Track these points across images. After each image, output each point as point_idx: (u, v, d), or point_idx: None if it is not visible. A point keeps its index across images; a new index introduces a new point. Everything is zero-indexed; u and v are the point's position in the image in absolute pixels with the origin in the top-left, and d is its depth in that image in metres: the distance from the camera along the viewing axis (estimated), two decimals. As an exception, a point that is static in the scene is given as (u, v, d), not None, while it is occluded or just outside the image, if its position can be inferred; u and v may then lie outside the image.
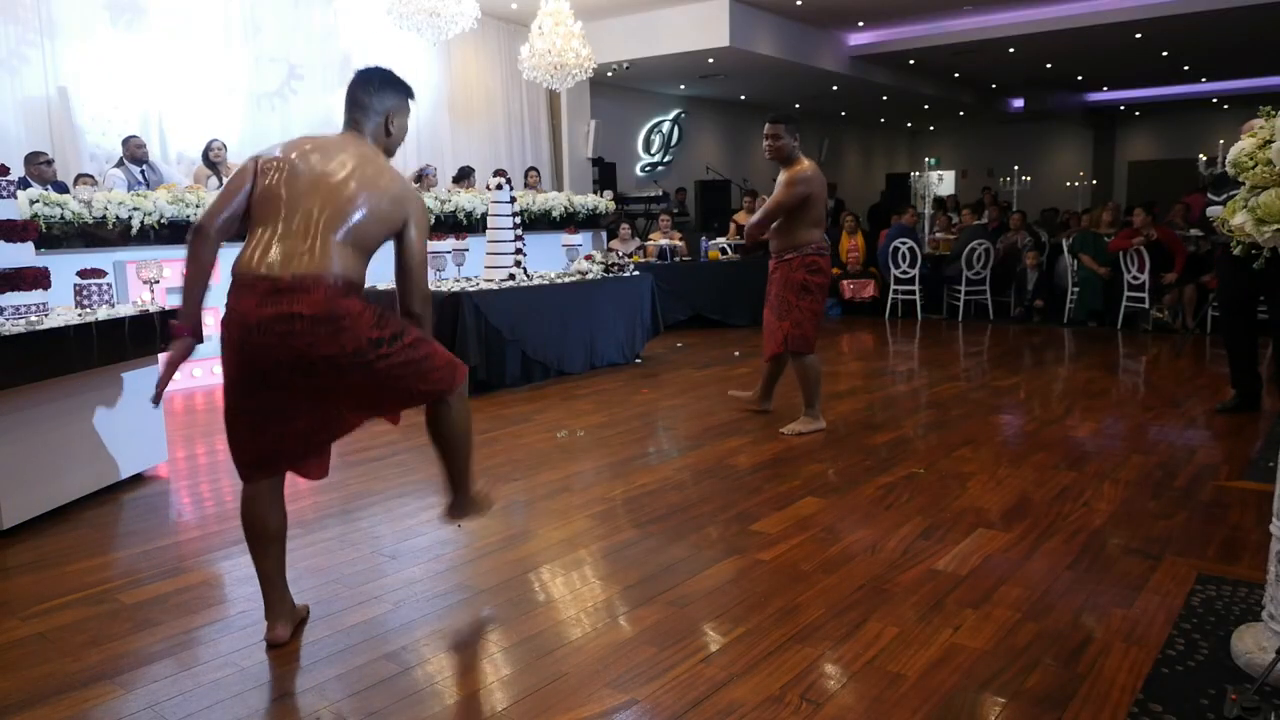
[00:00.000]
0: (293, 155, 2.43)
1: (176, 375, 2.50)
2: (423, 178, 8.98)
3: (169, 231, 6.52)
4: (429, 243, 6.64)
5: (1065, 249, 9.65)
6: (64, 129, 7.65)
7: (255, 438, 2.45)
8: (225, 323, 2.41)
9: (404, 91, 2.62)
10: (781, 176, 4.90)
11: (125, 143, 7.43)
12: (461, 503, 2.81)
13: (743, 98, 15.33)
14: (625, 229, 10.54)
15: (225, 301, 2.41)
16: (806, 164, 4.87)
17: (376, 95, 2.54)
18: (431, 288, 6.61)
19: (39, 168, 6.65)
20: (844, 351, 8.10)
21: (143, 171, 7.37)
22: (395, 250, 2.51)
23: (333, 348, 2.32)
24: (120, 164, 7.36)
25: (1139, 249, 8.49)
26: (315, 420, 2.51)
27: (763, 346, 5.08)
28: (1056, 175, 19.43)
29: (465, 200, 8.64)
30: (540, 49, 8.80)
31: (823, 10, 11.29)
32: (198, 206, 6.61)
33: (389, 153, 2.60)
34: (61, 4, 7.54)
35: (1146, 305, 8.63)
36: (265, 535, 2.52)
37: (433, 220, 8.12)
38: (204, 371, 6.60)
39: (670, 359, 7.58)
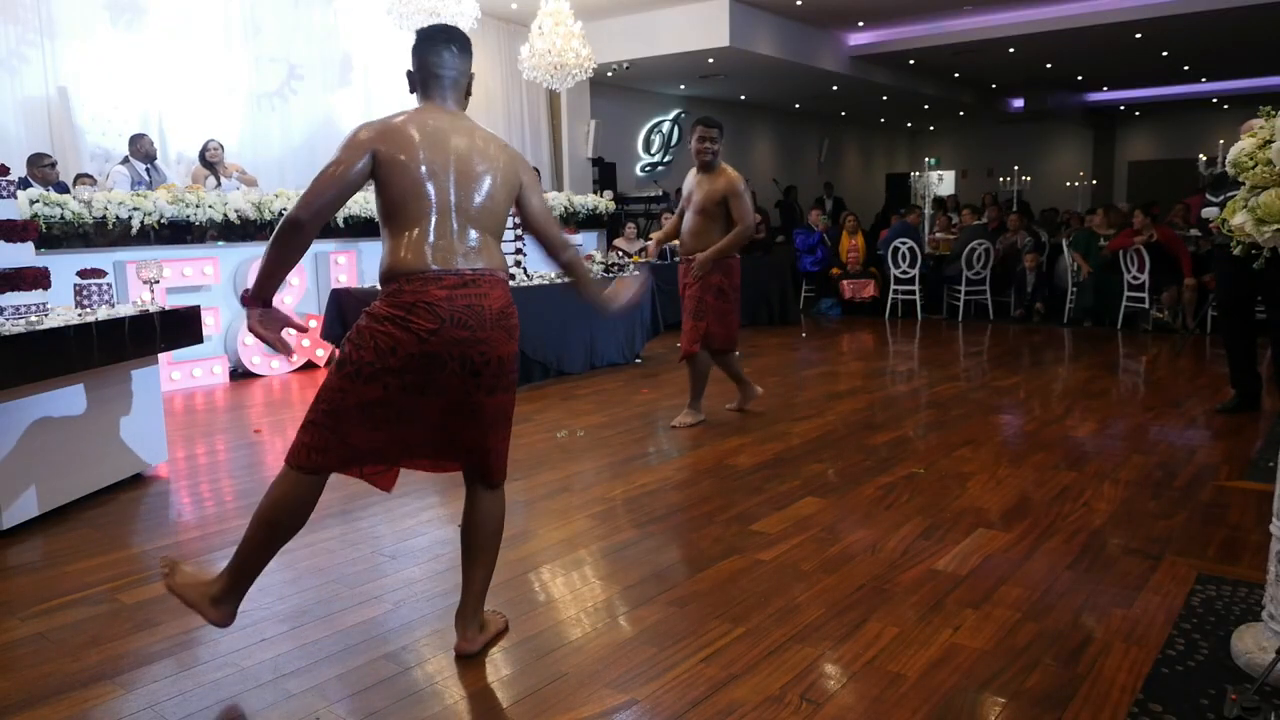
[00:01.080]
0: (424, 143, 2.28)
1: (285, 334, 2.37)
2: None
3: (169, 231, 6.53)
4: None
5: (1065, 248, 9.65)
6: (64, 129, 7.65)
7: (366, 434, 2.28)
8: (397, 314, 2.24)
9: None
10: (722, 184, 4.83)
11: (136, 140, 7.45)
12: (479, 625, 2.50)
13: (743, 98, 15.33)
14: (630, 228, 10.56)
15: (392, 295, 2.26)
16: (737, 173, 4.95)
17: (462, 57, 2.42)
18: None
19: (43, 170, 6.65)
20: (844, 351, 8.10)
21: (148, 170, 7.39)
22: (520, 214, 2.51)
23: (507, 349, 2.35)
24: (125, 161, 7.38)
25: (1139, 249, 8.49)
26: (431, 435, 2.38)
27: (683, 348, 5.03)
28: (1056, 175, 19.44)
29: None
30: (540, 49, 8.80)
31: (823, 10, 11.30)
32: (197, 206, 6.61)
33: None
34: (61, 4, 7.54)
35: (1146, 305, 8.63)
36: (291, 531, 2.35)
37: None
38: (204, 371, 6.60)
39: (670, 359, 7.57)
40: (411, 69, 2.43)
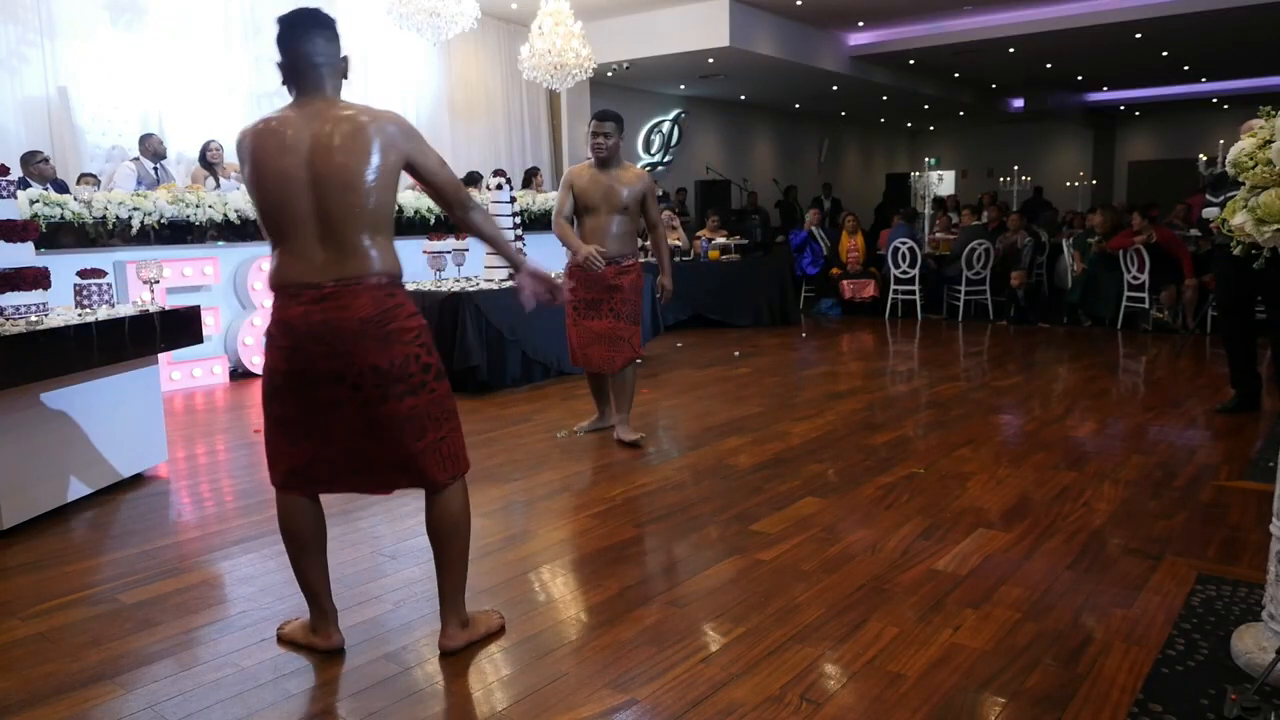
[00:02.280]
0: (275, 149, 2.23)
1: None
2: None
3: (169, 232, 6.53)
4: (428, 242, 6.68)
5: (1065, 248, 9.65)
6: (64, 129, 7.66)
7: (291, 449, 2.36)
8: (271, 331, 2.33)
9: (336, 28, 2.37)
10: (643, 183, 4.52)
11: (145, 139, 7.49)
12: (457, 622, 2.49)
13: (743, 98, 15.34)
14: None
15: (271, 311, 2.35)
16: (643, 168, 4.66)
17: (335, 42, 2.33)
18: (431, 288, 6.64)
19: (37, 167, 6.67)
20: (844, 351, 8.10)
21: (155, 169, 7.41)
22: (415, 180, 2.39)
23: (382, 357, 2.26)
24: (136, 159, 7.40)
25: (1139, 249, 8.49)
26: (349, 453, 2.36)
27: (600, 359, 4.58)
28: (1056, 175, 19.44)
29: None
30: (540, 49, 8.80)
31: (823, 10, 11.30)
32: (197, 206, 6.61)
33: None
34: (61, 4, 7.54)
35: (1146, 305, 8.63)
36: (311, 544, 2.45)
37: (432, 220, 8.12)
38: (204, 371, 6.60)
39: (670, 359, 7.57)
40: (279, 61, 2.32)
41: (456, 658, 2.45)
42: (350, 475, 2.40)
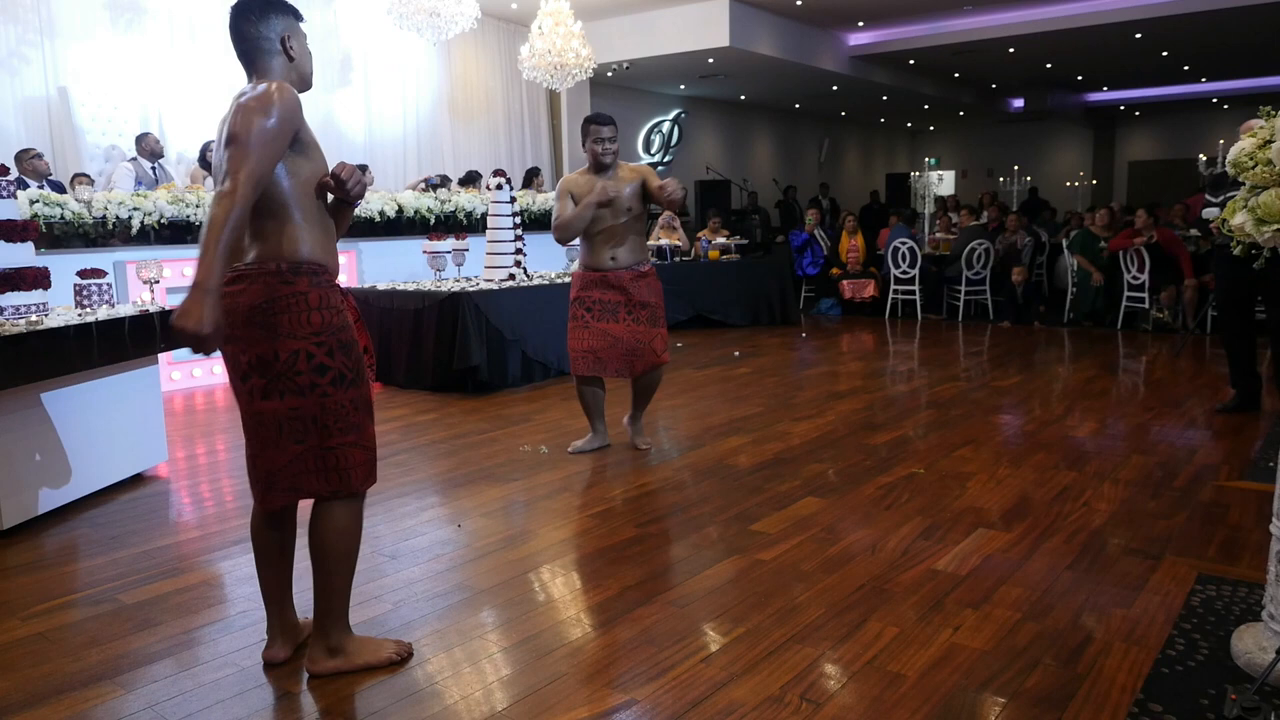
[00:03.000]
0: (217, 133, 2.23)
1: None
2: (433, 188, 8.99)
3: (169, 231, 6.53)
4: (428, 242, 6.68)
5: (1065, 247, 9.65)
6: (64, 129, 7.66)
7: (250, 456, 2.29)
8: None
9: (288, 10, 2.30)
10: (641, 176, 4.36)
11: (142, 138, 7.48)
12: (323, 648, 2.34)
13: (743, 98, 15.34)
14: None
15: None
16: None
17: (261, 25, 2.25)
18: (432, 288, 6.62)
19: (31, 163, 6.66)
20: (844, 351, 8.10)
21: (154, 169, 7.40)
22: None
23: (267, 347, 2.16)
24: (133, 159, 7.40)
25: (1139, 249, 8.49)
26: (248, 436, 2.26)
27: (616, 364, 4.39)
28: (1056, 175, 19.45)
29: (465, 200, 8.65)
30: (540, 49, 8.80)
31: (823, 10, 11.30)
32: (197, 206, 6.61)
33: (305, 80, 2.33)
34: (61, 4, 7.54)
35: (1146, 305, 8.63)
36: (266, 553, 2.38)
37: (432, 220, 8.12)
38: (204, 371, 6.60)
39: (670, 359, 7.57)
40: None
41: (457, 658, 2.45)
42: (264, 484, 2.28)
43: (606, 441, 4.67)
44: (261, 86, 2.16)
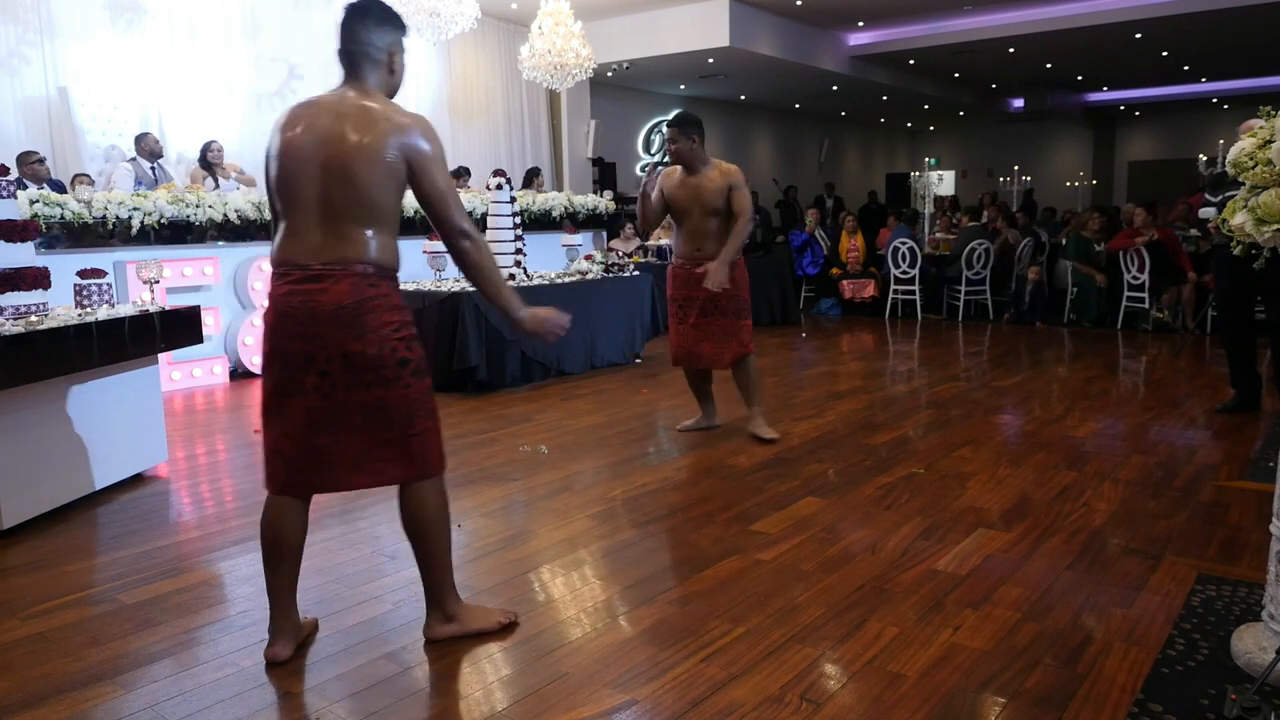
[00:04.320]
0: (290, 134, 2.30)
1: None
2: None
3: (169, 232, 6.53)
4: (428, 242, 6.68)
5: (1061, 253, 9.67)
6: (64, 129, 7.66)
7: (290, 447, 2.35)
8: (265, 313, 2.38)
9: (401, 25, 2.44)
10: (721, 180, 4.51)
11: (141, 138, 7.47)
12: (440, 616, 2.53)
13: (743, 98, 15.34)
14: (629, 228, 10.56)
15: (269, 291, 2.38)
16: (732, 164, 4.66)
17: (376, 32, 2.36)
18: (432, 288, 6.63)
19: (32, 167, 6.65)
20: (844, 351, 8.10)
21: (153, 169, 7.40)
22: (414, 192, 2.35)
23: (354, 346, 2.27)
24: (133, 160, 7.39)
25: (1139, 249, 8.49)
26: (306, 443, 2.34)
27: (710, 356, 4.64)
28: (1056, 175, 19.45)
29: (465, 200, 8.65)
30: (540, 49, 8.80)
31: (823, 10, 11.30)
32: (197, 206, 6.62)
33: (392, 95, 2.43)
34: (61, 4, 7.54)
35: (1146, 305, 8.63)
36: (278, 549, 2.40)
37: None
38: (204, 371, 6.60)
39: (670, 359, 7.56)
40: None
41: (457, 658, 2.45)
42: (296, 472, 2.36)
43: (714, 423, 4.97)
44: (424, 118, 2.35)
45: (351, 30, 2.35)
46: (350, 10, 2.37)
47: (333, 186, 2.25)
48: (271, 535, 2.40)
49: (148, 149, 7.44)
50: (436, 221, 2.38)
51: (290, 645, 2.44)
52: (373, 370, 2.29)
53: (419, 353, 2.39)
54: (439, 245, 6.71)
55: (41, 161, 6.78)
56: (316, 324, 2.25)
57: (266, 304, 2.36)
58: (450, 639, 2.51)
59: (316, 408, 2.30)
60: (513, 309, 2.48)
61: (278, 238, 2.33)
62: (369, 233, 2.29)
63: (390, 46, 2.39)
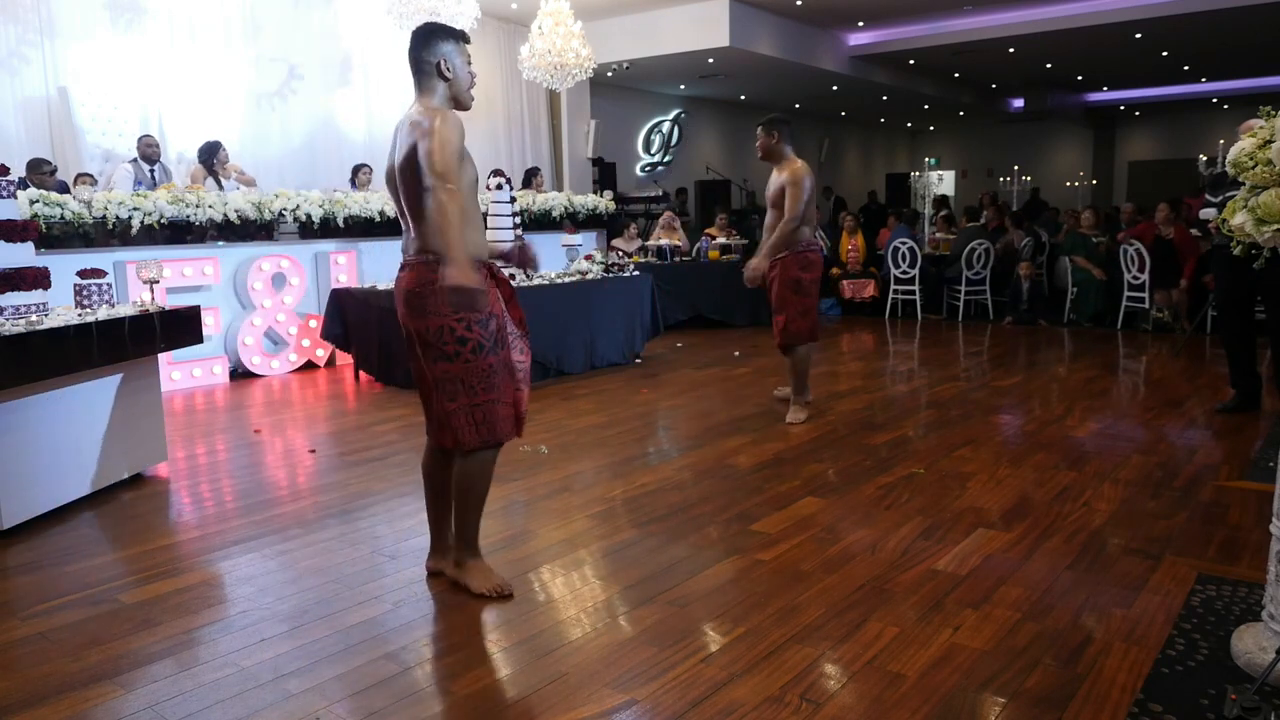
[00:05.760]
0: (389, 148, 2.74)
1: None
2: None
3: (169, 232, 6.53)
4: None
5: (1062, 250, 9.67)
6: (64, 129, 7.65)
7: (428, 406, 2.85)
8: None
9: (449, 35, 2.71)
10: (784, 176, 5.00)
11: (139, 141, 7.46)
12: (458, 555, 2.90)
13: (743, 98, 15.33)
14: (630, 228, 10.56)
15: None
16: (800, 163, 5.06)
17: (424, 49, 2.68)
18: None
19: (41, 176, 6.61)
20: (844, 351, 8.10)
21: (153, 171, 7.39)
22: None
23: (416, 324, 2.68)
24: (134, 161, 7.39)
25: (1139, 249, 8.49)
26: (428, 403, 2.83)
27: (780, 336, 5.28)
28: (1056, 175, 19.45)
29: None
30: (540, 49, 8.79)
31: (823, 10, 11.29)
32: (197, 207, 6.61)
33: (460, 100, 2.73)
34: (61, 4, 7.54)
35: (1146, 305, 8.63)
36: (432, 482, 2.92)
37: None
38: (204, 371, 6.60)
39: (670, 359, 7.58)
40: None
41: (457, 658, 2.45)
42: (429, 422, 2.86)
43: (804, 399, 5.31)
44: (438, 110, 2.62)
45: (409, 53, 2.72)
46: (411, 35, 2.73)
47: (401, 190, 2.67)
48: (425, 473, 2.94)
49: (143, 152, 7.41)
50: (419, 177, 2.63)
51: (444, 562, 2.94)
52: (435, 346, 2.67)
53: (482, 333, 2.68)
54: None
55: (52, 173, 6.73)
56: (399, 306, 2.73)
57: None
58: (440, 575, 2.94)
59: (418, 374, 2.81)
60: (451, 257, 2.52)
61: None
62: (420, 224, 2.66)
63: (437, 56, 2.68)
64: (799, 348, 5.11)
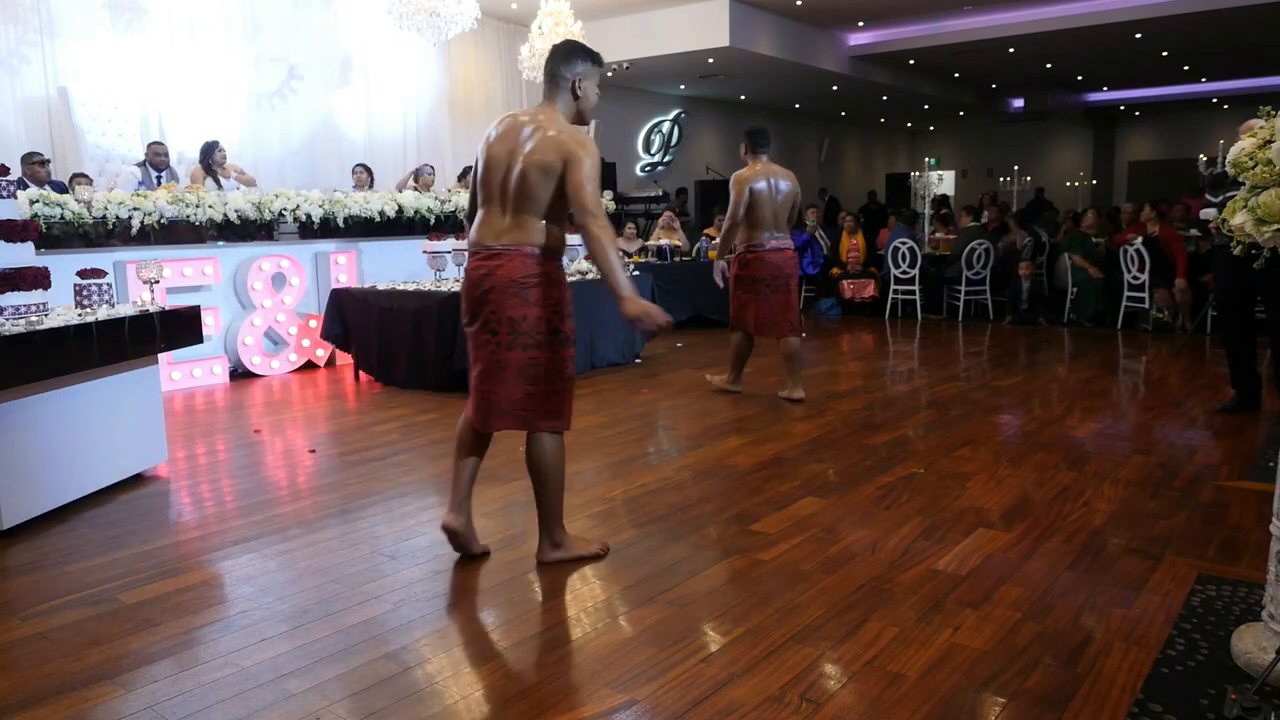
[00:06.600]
0: (491, 138, 2.89)
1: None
2: (419, 177, 8.97)
3: (169, 231, 6.53)
4: (429, 242, 6.68)
5: (1062, 249, 9.67)
6: (64, 129, 7.66)
7: (483, 391, 2.94)
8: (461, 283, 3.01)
9: (590, 58, 2.92)
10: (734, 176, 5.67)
11: (147, 148, 7.51)
12: (549, 543, 3.07)
13: (743, 98, 15.34)
14: (630, 228, 10.56)
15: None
16: (742, 171, 5.60)
17: (564, 64, 2.88)
18: (432, 288, 6.63)
19: (33, 168, 6.65)
20: (844, 351, 8.10)
21: (159, 178, 7.40)
22: (566, 185, 2.79)
23: (517, 312, 2.82)
24: (142, 164, 7.40)
25: (1139, 249, 8.49)
26: (479, 388, 2.93)
27: (777, 329, 5.76)
28: (1056, 175, 19.45)
29: (466, 200, 8.64)
30: (540, 49, 8.80)
31: (823, 10, 11.30)
32: (197, 207, 6.61)
33: (583, 115, 2.95)
34: (61, 4, 7.55)
35: (1146, 305, 8.63)
36: (466, 446, 3.04)
37: (432, 220, 8.12)
38: (204, 371, 6.60)
39: (670, 359, 7.58)
40: None
41: (457, 658, 2.45)
42: (475, 409, 2.95)
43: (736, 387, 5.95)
44: (580, 134, 2.86)
45: (549, 61, 2.91)
46: (552, 47, 2.94)
47: (520, 184, 2.79)
48: (460, 438, 3.06)
49: (152, 160, 7.45)
50: (573, 207, 2.81)
51: (462, 519, 3.04)
52: (529, 334, 2.83)
53: (570, 325, 2.92)
54: (439, 245, 6.72)
55: (44, 164, 6.76)
56: (494, 291, 2.82)
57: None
58: (557, 562, 3.05)
59: (487, 360, 2.88)
60: (619, 290, 2.80)
61: (475, 223, 2.93)
62: (532, 220, 2.83)
63: (575, 76, 2.89)
64: (735, 334, 5.79)
